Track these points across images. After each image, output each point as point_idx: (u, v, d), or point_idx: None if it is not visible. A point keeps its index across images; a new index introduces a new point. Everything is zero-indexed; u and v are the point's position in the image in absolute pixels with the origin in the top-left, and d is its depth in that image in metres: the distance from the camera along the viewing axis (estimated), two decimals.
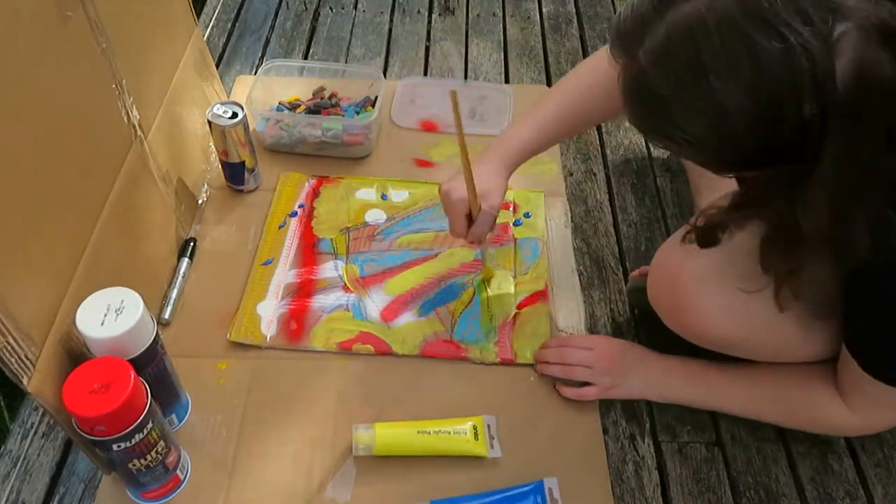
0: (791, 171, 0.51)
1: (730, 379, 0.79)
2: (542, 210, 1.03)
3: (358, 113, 1.11)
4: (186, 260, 0.94)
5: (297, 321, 0.88)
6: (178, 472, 0.73)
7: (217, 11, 1.43)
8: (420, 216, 1.02)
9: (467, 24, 1.43)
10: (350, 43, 1.37)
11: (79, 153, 0.71)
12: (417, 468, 0.76)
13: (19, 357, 0.59)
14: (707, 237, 0.63)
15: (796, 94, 0.47)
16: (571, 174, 1.11)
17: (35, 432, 0.81)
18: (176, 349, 0.80)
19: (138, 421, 0.63)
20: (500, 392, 0.83)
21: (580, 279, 0.96)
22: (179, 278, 0.91)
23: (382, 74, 1.15)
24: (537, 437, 0.79)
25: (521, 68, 1.33)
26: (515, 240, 0.99)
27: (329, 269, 0.95)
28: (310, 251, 0.97)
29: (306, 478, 0.76)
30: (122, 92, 0.78)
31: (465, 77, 1.30)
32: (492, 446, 0.77)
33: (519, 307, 0.91)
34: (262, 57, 1.33)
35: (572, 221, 1.03)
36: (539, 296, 0.92)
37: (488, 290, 0.92)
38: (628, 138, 1.18)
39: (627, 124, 1.19)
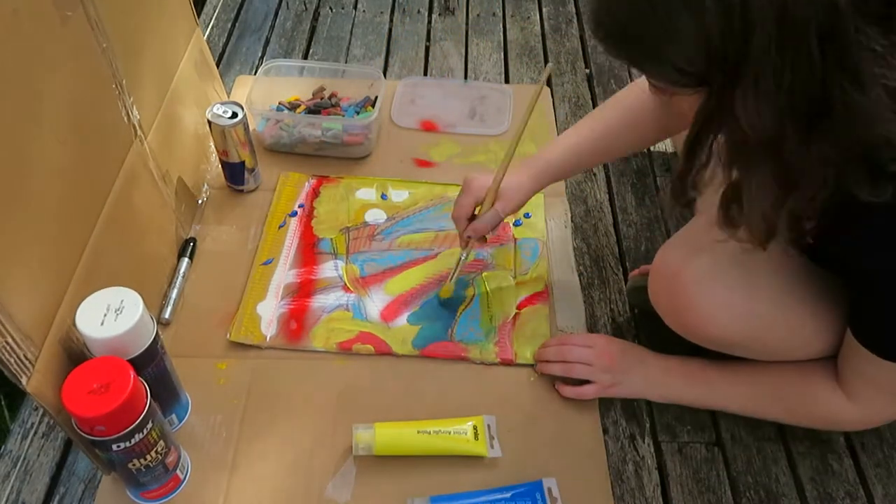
0: (721, 89, 0.50)
1: (730, 378, 0.79)
2: (542, 210, 1.03)
3: (358, 113, 1.11)
4: (186, 260, 0.94)
5: (297, 321, 0.88)
6: (178, 472, 0.73)
7: (217, 11, 1.43)
8: (420, 216, 1.02)
9: (467, 24, 1.43)
10: (350, 43, 1.37)
11: (79, 153, 0.70)
12: (417, 468, 0.76)
13: (19, 357, 0.59)
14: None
15: None
16: None
17: (35, 432, 0.81)
18: (176, 349, 0.80)
19: (138, 421, 0.63)
20: (500, 392, 0.83)
21: (580, 279, 0.96)
22: (179, 278, 0.91)
23: (382, 74, 1.14)
24: (537, 437, 0.79)
25: (521, 68, 1.33)
26: (515, 240, 0.99)
27: (329, 269, 0.95)
28: (310, 251, 0.97)
29: (306, 478, 0.76)
30: (122, 92, 0.78)
31: (465, 77, 1.30)
32: (492, 446, 0.77)
33: (519, 307, 0.91)
34: (262, 57, 1.33)
35: (572, 221, 1.03)
36: (539, 296, 0.92)
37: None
38: None
39: None
